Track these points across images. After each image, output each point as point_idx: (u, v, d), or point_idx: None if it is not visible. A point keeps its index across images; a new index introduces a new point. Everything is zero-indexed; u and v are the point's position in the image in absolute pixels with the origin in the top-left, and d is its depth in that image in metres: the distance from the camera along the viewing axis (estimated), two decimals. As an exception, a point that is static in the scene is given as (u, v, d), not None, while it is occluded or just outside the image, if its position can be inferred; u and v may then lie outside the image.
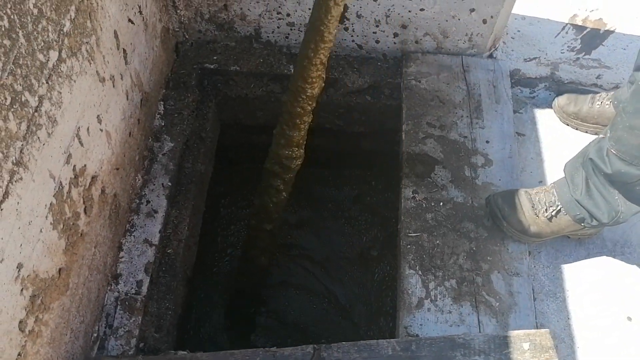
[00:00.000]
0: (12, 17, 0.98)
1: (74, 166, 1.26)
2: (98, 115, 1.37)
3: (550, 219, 1.58)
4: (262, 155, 2.43)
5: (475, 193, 1.70)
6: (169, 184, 1.76)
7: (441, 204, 1.68)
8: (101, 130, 1.39)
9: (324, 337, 2.20)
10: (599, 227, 1.62)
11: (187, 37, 2.03)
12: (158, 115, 1.88)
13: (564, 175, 1.59)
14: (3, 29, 0.95)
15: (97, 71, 1.34)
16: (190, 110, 1.91)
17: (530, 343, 1.22)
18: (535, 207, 1.59)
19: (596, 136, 1.89)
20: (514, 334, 1.24)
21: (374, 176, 2.52)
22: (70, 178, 1.24)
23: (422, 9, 1.87)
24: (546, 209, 1.58)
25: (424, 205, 1.68)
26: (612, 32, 2.14)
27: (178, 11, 1.92)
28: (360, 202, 2.48)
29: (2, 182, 0.98)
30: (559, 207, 1.57)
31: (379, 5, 1.86)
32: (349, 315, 2.27)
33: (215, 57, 2.03)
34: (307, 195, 2.51)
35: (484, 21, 1.89)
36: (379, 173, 2.52)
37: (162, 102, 1.90)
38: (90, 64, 1.30)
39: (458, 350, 1.23)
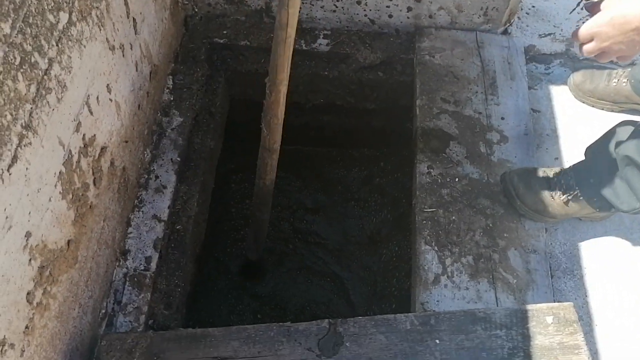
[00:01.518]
0: (20, -27, 0.94)
1: (84, 135, 1.22)
2: (107, 84, 1.33)
3: (566, 203, 1.54)
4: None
5: (490, 169, 1.67)
6: (178, 159, 1.72)
7: (456, 179, 1.64)
8: (111, 100, 1.35)
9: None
10: (612, 213, 1.59)
11: (196, 10, 1.98)
12: (167, 90, 1.84)
13: (584, 159, 1.55)
14: (12, -15, 0.91)
15: (107, 38, 1.30)
16: (199, 85, 1.87)
17: (553, 317, 1.19)
18: (552, 189, 1.55)
19: (613, 113, 1.86)
20: (537, 307, 1.21)
21: (383, 156, 2.48)
22: (80, 147, 1.21)
23: (437, -18, 1.82)
24: (563, 192, 1.54)
25: (439, 180, 1.64)
26: (630, 8, 2.08)
27: (187, -17, 1.88)
28: (370, 183, 2.45)
29: (11, 145, 0.94)
30: (576, 192, 1.53)
31: (392, -23, 1.82)
32: (351, 295, 2.23)
33: (224, 32, 1.98)
34: (320, 179, 2.46)
35: (500, -6, 1.85)
36: (389, 153, 2.48)
37: (171, 76, 1.86)
38: (100, 29, 1.26)
39: (479, 324, 1.19)
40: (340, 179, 2.48)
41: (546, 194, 1.55)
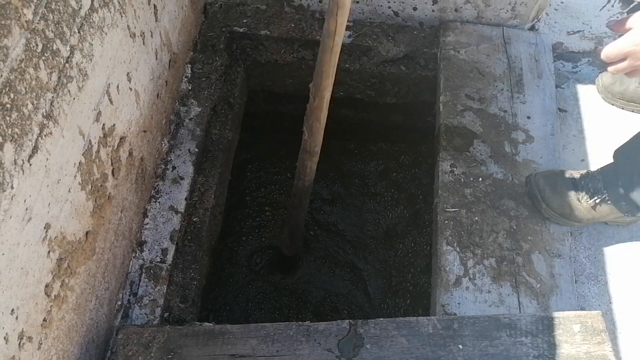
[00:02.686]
0: (45, -43, 0.90)
1: (104, 125, 1.19)
2: (128, 73, 1.30)
3: (594, 207, 1.50)
4: (289, 124, 2.36)
5: (515, 170, 1.62)
6: (196, 150, 1.69)
7: (480, 179, 1.60)
8: (130, 89, 1.32)
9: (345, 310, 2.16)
10: (639, 217, 1.54)
11: (216, -2, 1.94)
12: (185, 79, 1.81)
13: (612, 161, 1.50)
14: (36, -31, 0.88)
15: (127, 25, 1.27)
16: (218, 74, 1.84)
17: (581, 325, 1.15)
18: (579, 193, 1.51)
19: None
20: (564, 315, 1.18)
21: (401, 151, 2.44)
22: (100, 137, 1.18)
23: (465, -26, 1.77)
24: (590, 196, 1.50)
25: (462, 179, 1.60)
26: (662, 6, 2.03)
27: (208, -30, 1.84)
28: (387, 178, 2.41)
29: (32, 135, 0.92)
30: (604, 196, 1.49)
31: (419, -31, 1.77)
32: (368, 287, 2.21)
33: (244, 20, 1.94)
34: (336, 170, 2.43)
35: (530, -11, 1.80)
36: (407, 148, 2.44)
37: (189, 65, 1.83)
38: (121, 16, 1.23)
39: (503, 330, 1.16)
40: (358, 172, 2.44)
41: (573, 198, 1.50)
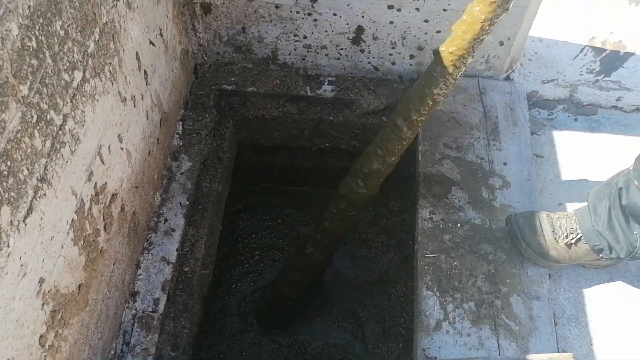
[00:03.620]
0: (40, 38, 1.00)
1: (95, 183, 1.27)
2: (119, 134, 1.39)
3: (569, 246, 1.56)
4: (278, 175, 2.45)
5: (493, 215, 1.69)
6: (187, 202, 1.77)
7: (459, 225, 1.67)
8: (122, 148, 1.41)
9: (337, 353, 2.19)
10: (614, 261, 1.60)
11: (205, 59, 2.06)
12: (177, 135, 1.90)
13: (586, 204, 1.57)
14: (31, 50, 0.97)
15: (119, 91, 1.37)
16: (208, 130, 1.93)
17: (552, 367, 1.20)
18: (556, 232, 1.57)
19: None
20: (536, 357, 1.22)
21: (390, 198, 2.51)
22: (92, 195, 1.26)
23: (438, 31, 1.88)
24: (566, 235, 1.56)
25: (441, 226, 1.67)
26: (632, 54, 2.13)
27: (197, 34, 1.95)
28: (377, 224, 2.47)
29: (27, 197, 0.99)
30: (579, 235, 1.55)
31: (395, 27, 1.88)
32: (362, 335, 2.25)
33: (232, 79, 2.05)
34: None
35: (501, 43, 1.90)
36: (395, 194, 2.51)
37: (180, 122, 1.93)
38: (112, 84, 1.32)
39: (478, 373, 1.21)
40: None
41: (550, 237, 1.56)
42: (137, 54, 1.48)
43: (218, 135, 2.00)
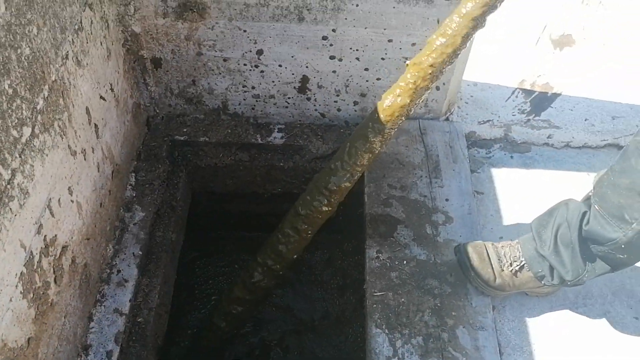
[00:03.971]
0: (-13, 97, 1.05)
1: (45, 236, 1.30)
2: (69, 187, 1.42)
3: (514, 274, 1.64)
4: (234, 222, 2.49)
5: (437, 250, 1.77)
6: (140, 253, 1.79)
7: (405, 262, 1.74)
8: (72, 201, 1.44)
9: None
10: (556, 287, 1.68)
11: (157, 111, 2.12)
12: (129, 187, 1.93)
13: (530, 232, 1.66)
14: (-22, 108, 1.02)
15: (68, 145, 1.41)
16: (161, 180, 1.97)
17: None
18: (501, 260, 1.65)
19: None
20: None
21: (344, 240, 2.58)
22: (41, 248, 1.28)
23: (378, 79, 1.99)
24: (510, 263, 1.65)
25: (388, 264, 1.73)
26: (559, 95, 2.30)
27: (149, 87, 2.02)
28: (332, 266, 2.53)
29: (-27, 252, 1.02)
30: (522, 263, 1.64)
31: (337, 76, 1.99)
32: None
33: (185, 129, 2.11)
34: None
35: (437, 88, 2.03)
36: (348, 236, 2.57)
37: (133, 174, 1.96)
38: (62, 138, 1.37)
39: (423, 403, 1.25)
40: (305, 261, 2.56)
41: (497, 266, 1.64)
42: (87, 108, 1.53)
43: (171, 184, 2.04)
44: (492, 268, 1.64)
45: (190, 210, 2.25)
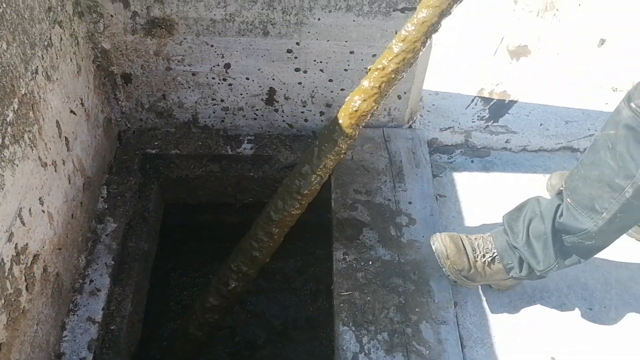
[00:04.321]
0: (-43, 109, 1.10)
1: (16, 244, 1.34)
2: (40, 197, 1.46)
3: (487, 265, 1.72)
4: (207, 233, 2.53)
5: (401, 250, 1.84)
6: (112, 262, 1.83)
7: (370, 262, 1.81)
8: (43, 211, 1.48)
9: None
10: (519, 280, 1.77)
11: (129, 125, 2.17)
12: (101, 199, 1.98)
13: (502, 225, 1.74)
14: (-51, 119, 1.07)
15: (39, 156, 1.45)
16: (132, 192, 2.02)
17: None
18: (475, 251, 1.72)
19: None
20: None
21: (316, 246, 2.64)
22: (12, 256, 1.32)
23: (342, 89, 2.08)
24: (484, 255, 1.72)
25: (354, 265, 1.80)
26: (516, 101, 2.40)
27: (119, 102, 2.07)
28: (305, 272, 2.58)
29: (-55, 257, 1.06)
30: (494, 254, 1.71)
31: (303, 87, 2.07)
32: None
33: (156, 143, 2.17)
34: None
35: (399, 97, 2.12)
36: (322, 243, 2.63)
37: (105, 187, 2.01)
38: (32, 150, 1.41)
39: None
40: (278, 270, 2.61)
41: (472, 256, 1.71)
42: (57, 122, 1.58)
43: (143, 196, 2.09)
44: (467, 258, 1.71)
45: (163, 222, 2.30)
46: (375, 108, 1.64)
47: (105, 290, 1.76)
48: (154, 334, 2.29)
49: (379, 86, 1.60)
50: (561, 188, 1.59)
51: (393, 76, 1.58)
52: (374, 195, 1.99)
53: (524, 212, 1.69)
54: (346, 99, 1.66)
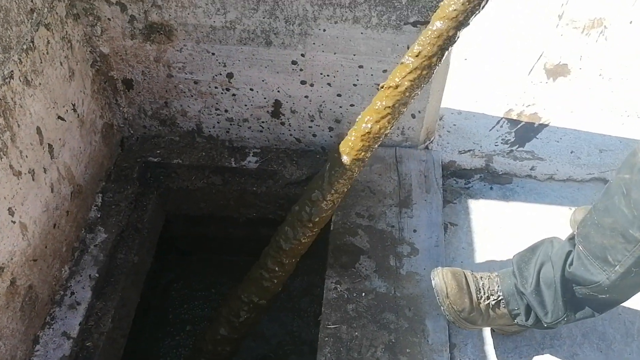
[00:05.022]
0: None
1: (-26, 257, 1.28)
2: (9, 208, 1.41)
3: (491, 308, 1.56)
4: (213, 245, 2.45)
5: (398, 283, 1.70)
6: (97, 275, 1.76)
7: (363, 294, 1.67)
8: (13, 222, 1.43)
9: None
10: (525, 328, 1.59)
11: (132, 132, 2.11)
12: (95, 207, 1.92)
13: (511, 266, 1.57)
14: None
15: (10, 165, 1.40)
16: (128, 202, 1.96)
17: None
18: (479, 292, 1.57)
19: None
20: None
21: (325, 267, 2.51)
22: (-31, 269, 1.26)
23: (352, 105, 1.95)
24: (488, 297, 1.56)
25: (345, 295, 1.67)
26: (546, 125, 2.21)
27: (121, 108, 2.02)
28: (310, 293, 2.46)
29: None
30: (499, 298, 1.55)
31: (310, 102, 1.95)
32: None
33: (158, 151, 2.10)
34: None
35: (413, 116, 1.97)
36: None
37: (100, 194, 1.95)
38: (1, 158, 1.36)
39: None
40: (283, 288, 2.49)
41: (474, 297, 1.55)
42: (38, 128, 1.52)
43: (139, 206, 2.02)
44: (470, 299, 1.56)
45: (165, 232, 2.23)
46: (388, 129, 1.52)
47: (85, 304, 1.70)
48: (149, 349, 2.22)
49: (392, 105, 1.48)
50: (574, 232, 1.41)
51: (407, 94, 1.46)
52: (377, 221, 1.85)
53: (536, 254, 1.52)
54: (357, 119, 1.55)
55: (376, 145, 1.56)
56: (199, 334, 2.24)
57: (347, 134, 1.59)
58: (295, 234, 1.69)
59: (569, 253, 1.39)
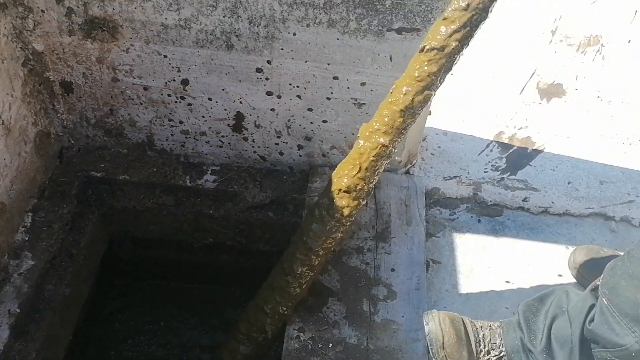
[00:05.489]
0: None
1: None
2: None
3: None
4: (163, 271, 2.18)
5: (371, 332, 1.45)
6: (17, 310, 1.49)
7: (330, 345, 1.42)
8: None
9: None
10: None
11: (72, 142, 1.84)
12: (22, 229, 1.65)
13: (516, 316, 1.36)
14: None
15: None
16: (62, 223, 1.69)
17: None
18: (479, 345, 1.34)
19: None
20: None
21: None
22: None
23: (324, 121, 1.71)
24: (488, 351, 1.33)
25: (309, 346, 1.42)
26: (541, 151, 2.00)
27: (59, 115, 1.75)
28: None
29: None
30: (502, 354, 1.33)
31: (277, 115, 1.71)
32: None
33: (102, 165, 1.84)
34: (219, 317, 2.24)
35: (394, 136, 1.74)
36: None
37: (30, 214, 1.68)
38: None
39: None
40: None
41: (473, 349, 1.33)
42: (-60, 138, 1.26)
43: (76, 228, 1.75)
44: (468, 352, 1.32)
45: (109, 254, 1.96)
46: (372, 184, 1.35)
47: (0, 346, 1.42)
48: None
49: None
50: (597, 282, 1.18)
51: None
52: (350, 256, 1.61)
53: (546, 305, 1.30)
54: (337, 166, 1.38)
55: (364, 202, 1.39)
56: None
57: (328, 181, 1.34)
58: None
59: (591, 307, 1.16)
